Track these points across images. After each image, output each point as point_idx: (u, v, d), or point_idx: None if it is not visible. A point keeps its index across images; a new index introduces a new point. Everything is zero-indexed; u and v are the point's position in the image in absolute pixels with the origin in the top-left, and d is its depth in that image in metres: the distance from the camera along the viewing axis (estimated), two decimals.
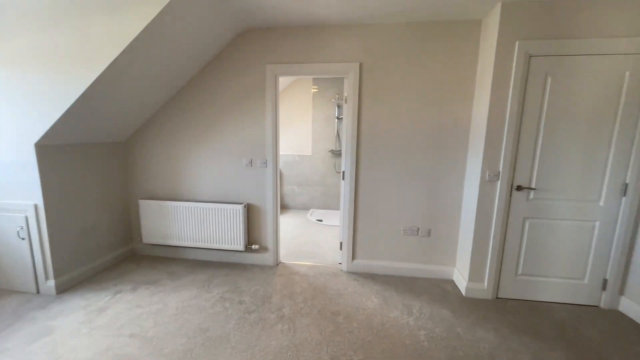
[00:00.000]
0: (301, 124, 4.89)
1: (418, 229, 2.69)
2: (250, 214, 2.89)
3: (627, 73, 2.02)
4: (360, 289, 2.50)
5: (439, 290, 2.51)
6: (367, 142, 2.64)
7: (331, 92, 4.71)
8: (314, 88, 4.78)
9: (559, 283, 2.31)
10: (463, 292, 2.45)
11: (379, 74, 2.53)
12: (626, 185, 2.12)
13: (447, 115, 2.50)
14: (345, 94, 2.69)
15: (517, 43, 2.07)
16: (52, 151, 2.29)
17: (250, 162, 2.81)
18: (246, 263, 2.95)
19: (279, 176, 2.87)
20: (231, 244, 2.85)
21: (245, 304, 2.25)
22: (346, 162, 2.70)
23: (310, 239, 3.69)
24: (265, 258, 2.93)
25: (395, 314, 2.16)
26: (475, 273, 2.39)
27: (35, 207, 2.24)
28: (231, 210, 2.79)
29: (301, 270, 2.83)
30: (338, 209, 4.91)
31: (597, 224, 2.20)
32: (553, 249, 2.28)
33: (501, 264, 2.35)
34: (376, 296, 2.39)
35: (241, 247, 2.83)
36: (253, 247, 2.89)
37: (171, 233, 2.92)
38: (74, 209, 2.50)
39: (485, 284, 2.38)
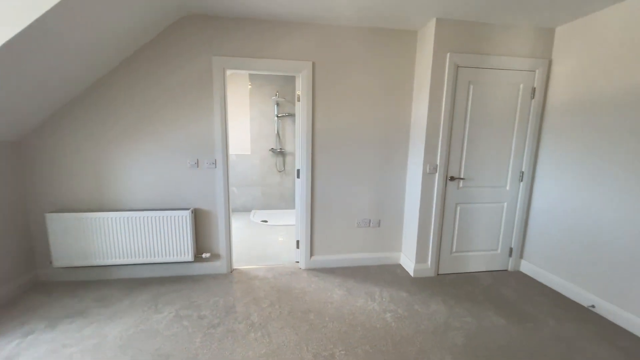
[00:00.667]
0: (238, 122, 4.63)
1: (370, 220, 2.89)
2: (199, 219, 2.63)
3: (521, 85, 2.59)
4: (322, 284, 2.55)
5: (391, 274, 2.76)
6: (322, 141, 2.69)
7: (268, 89, 4.61)
8: (248, 84, 4.59)
9: (481, 255, 2.82)
10: (411, 273, 2.75)
11: (331, 74, 2.61)
12: (522, 173, 2.72)
13: (390, 115, 2.75)
14: (298, 92, 2.69)
15: (448, 54, 2.43)
16: None
17: (197, 162, 2.55)
18: (196, 274, 2.67)
19: (228, 177, 2.68)
20: (178, 255, 2.53)
21: (207, 319, 2.04)
22: (302, 161, 2.70)
23: (259, 241, 3.56)
24: (218, 266, 2.71)
25: (361, 302, 2.29)
26: (420, 255, 2.71)
27: None
28: (176, 218, 2.48)
29: (259, 273, 2.72)
30: (281, 208, 4.87)
31: (505, 204, 2.77)
32: (477, 228, 2.76)
33: (440, 244, 2.73)
34: (339, 288, 2.48)
35: (190, 258, 2.55)
36: (204, 255, 2.63)
37: (95, 251, 2.43)
38: None
39: (429, 263, 2.73)
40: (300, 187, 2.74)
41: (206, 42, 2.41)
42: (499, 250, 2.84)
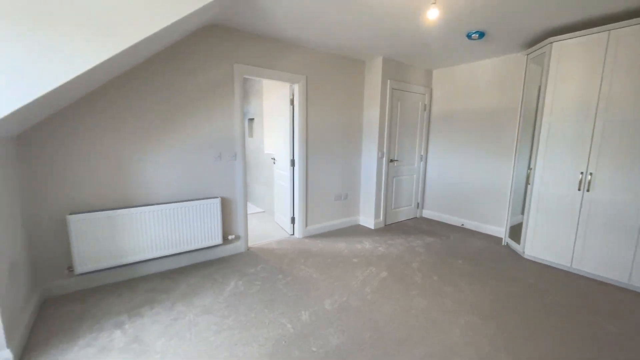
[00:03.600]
0: None
1: (341, 195, 3.95)
2: (223, 206, 2.93)
3: (420, 102, 4.29)
4: (326, 243, 3.42)
5: (359, 230, 3.93)
6: (311, 136, 3.52)
7: None
8: None
9: (405, 209, 4.41)
10: (372, 227, 4.01)
11: (316, 85, 3.47)
12: (422, 155, 4.47)
13: (349, 117, 3.89)
14: (291, 97, 3.40)
15: (388, 81, 3.79)
16: None
17: (220, 155, 2.86)
18: (223, 256, 2.96)
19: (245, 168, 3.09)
20: (209, 240, 2.78)
21: (269, 279, 2.57)
22: (297, 152, 3.44)
23: None
24: (238, 246, 3.09)
25: (359, 246, 3.34)
26: (377, 214, 4.01)
27: None
28: (208, 205, 2.74)
29: (271, 247, 3.29)
30: None
31: (415, 176, 4.46)
32: (403, 192, 4.32)
33: (387, 205, 4.11)
34: (339, 243, 3.44)
35: (220, 241, 2.85)
36: (229, 237, 2.97)
37: (125, 248, 2.38)
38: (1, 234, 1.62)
39: (381, 218, 4.07)
40: (298, 174, 3.47)
41: (229, 51, 2.78)
42: (412, 205, 4.52)
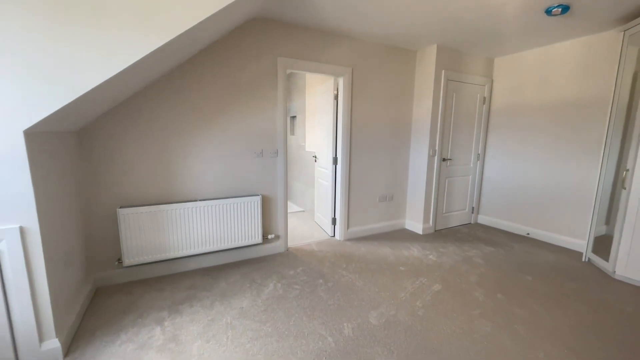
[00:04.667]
0: None
1: (386, 196, 3.67)
2: (263, 204, 2.85)
3: (478, 95, 3.82)
4: (369, 248, 3.18)
5: (406, 234, 3.62)
6: (355, 132, 3.30)
7: None
8: None
9: (457, 214, 3.98)
10: (420, 232, 3.66)
11: (362, 79, 3.24)
12: (479, 154, 3.99)
13: (399, 112, 3.58)
14: (335, 92, 3.22)
15: (443, 71, 3.41)
16: (43, 142, 1.48)
17: (261, 152, 2.78)
18: (262, 255, 2.89)
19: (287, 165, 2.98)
20: (249, 239, 2.72)
21: (309, 282, 2.42)
22: (340, 150, 3.24)
23: None
24: (277, 246, 2.99)
25: (406, 253, 3.05)
26: (426, 218, 3.66)
27: (22, 231, 1.40)
28: (249, 203, 2.67)
29: (312, 248, 3.13)
30: None
31: (470, 177, 3.99)
32: (456, 194, 3.90)
33: (437, 208, 3.74)
34: (383, 248, 3.17)
35: (259, 240, 2.77)
36: (269, 237, 2.88)
37: (169, 244, 2.40)
38: (57, 226, 1.67)
39: (431, 223, 3.70)
40: (341, 172, 3.28)
41: (271, 44, 2.69)
42: (466, 210, 4.06)
